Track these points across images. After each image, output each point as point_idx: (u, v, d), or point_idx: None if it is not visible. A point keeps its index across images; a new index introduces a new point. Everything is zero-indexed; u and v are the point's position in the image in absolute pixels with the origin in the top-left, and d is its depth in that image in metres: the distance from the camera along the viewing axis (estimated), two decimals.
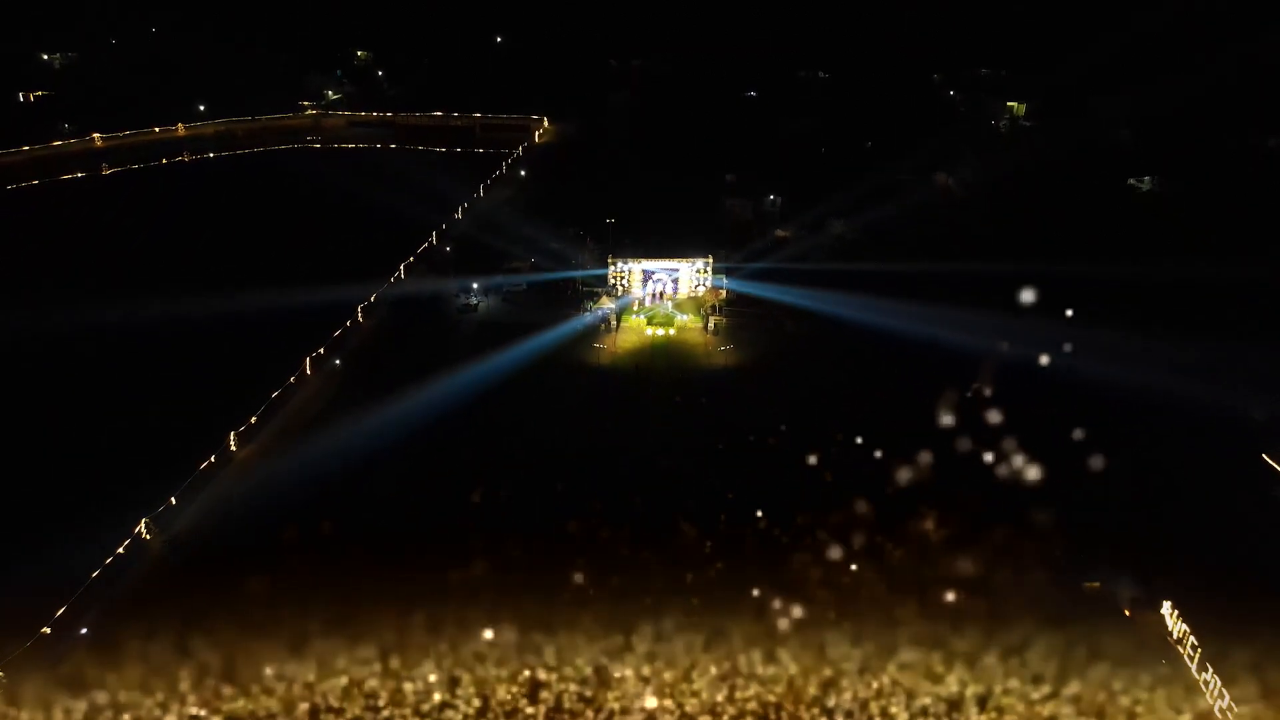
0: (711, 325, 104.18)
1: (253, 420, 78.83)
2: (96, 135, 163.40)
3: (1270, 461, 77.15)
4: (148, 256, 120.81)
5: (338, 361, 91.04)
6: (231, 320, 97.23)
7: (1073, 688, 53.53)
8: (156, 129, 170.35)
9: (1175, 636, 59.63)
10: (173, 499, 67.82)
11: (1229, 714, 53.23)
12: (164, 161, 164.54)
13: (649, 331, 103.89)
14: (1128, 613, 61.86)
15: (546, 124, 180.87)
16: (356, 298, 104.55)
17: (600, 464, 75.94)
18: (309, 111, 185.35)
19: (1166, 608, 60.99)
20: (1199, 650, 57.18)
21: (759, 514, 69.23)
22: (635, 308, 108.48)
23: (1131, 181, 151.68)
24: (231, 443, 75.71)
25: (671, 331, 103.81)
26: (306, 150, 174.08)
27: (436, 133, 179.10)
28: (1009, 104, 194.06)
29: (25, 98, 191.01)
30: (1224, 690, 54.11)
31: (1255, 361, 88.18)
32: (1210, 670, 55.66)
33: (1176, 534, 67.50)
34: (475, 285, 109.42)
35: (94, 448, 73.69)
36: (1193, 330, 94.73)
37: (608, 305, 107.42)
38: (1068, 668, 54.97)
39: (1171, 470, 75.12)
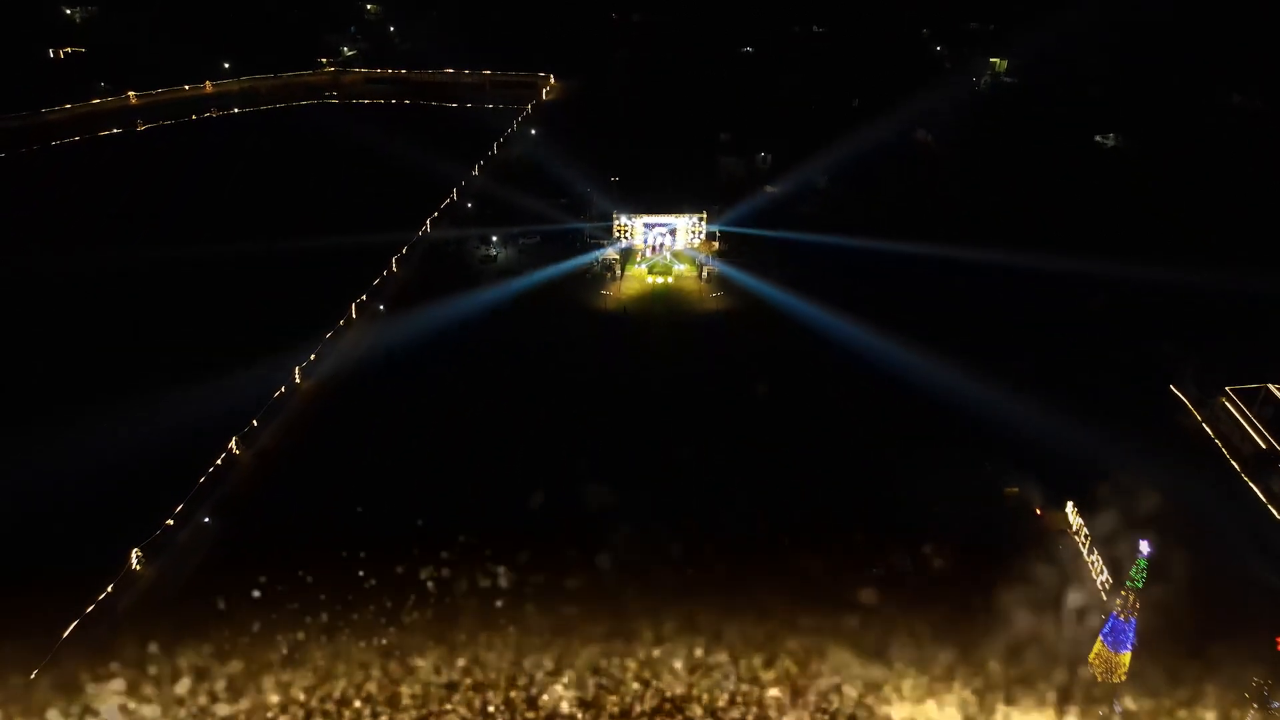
0: (705, 275, 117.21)
1: (312, 357, 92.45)
2: (131, 93, 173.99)
3: (1177, 392, 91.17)
4: (190, 209, 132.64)
5: (381, 306, 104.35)
6: (277, 267, 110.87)
7: (996, 564, 68.42)
8: (186, 87, 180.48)
9: (1074, 528, 74.18)
10: (254, 421, 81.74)
11: (1105, 586, 67.91)
12: (193, 118, 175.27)
13: (649, 280, 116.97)
14: (1038, 511, 76.29)
15: (553, 81, 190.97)
16: (389, 248, 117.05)
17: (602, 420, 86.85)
18: (328, 69, 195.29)
19: (1069, 506, 75.46)
20: (1090, 538, 71.73)
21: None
22: (637, 259, 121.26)
23: (1098, 138, 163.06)
24: (296, 376, 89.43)
25: (669, 280, 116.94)
26: (326, 106, 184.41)
27: (448, 89, 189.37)
28: (991, 60, 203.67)
29: (56, 54, 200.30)
30: (1104, 568, 68.79)
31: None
32: (1096, 553, 70.32)
33: (1087, 450, 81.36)
34: (494, 238, 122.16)
35: (181, 384, 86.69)
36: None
37: (612, 256, 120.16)
38: (993, 550, 70.25)
39: (1089, 398, 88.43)
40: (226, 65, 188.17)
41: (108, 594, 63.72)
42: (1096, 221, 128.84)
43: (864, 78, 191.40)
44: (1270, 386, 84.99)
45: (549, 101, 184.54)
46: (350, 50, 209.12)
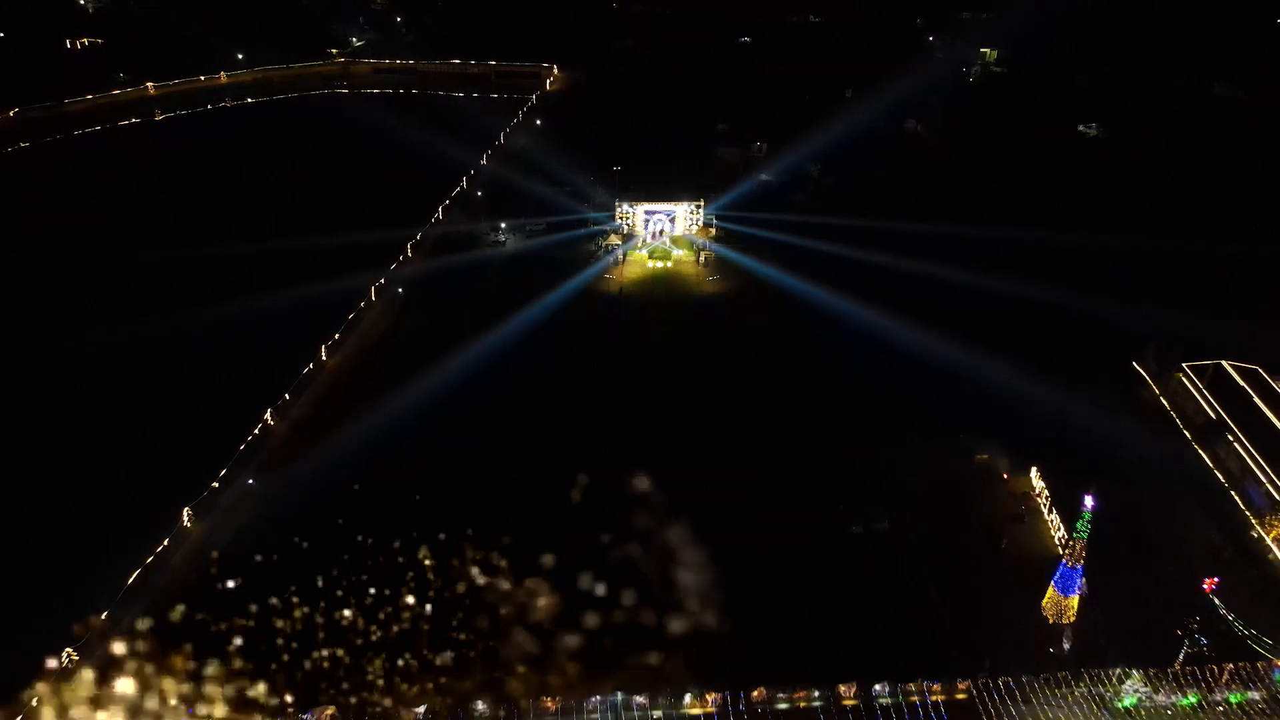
0: (702, 259, 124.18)
1: (336, 336, 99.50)
2: (150, 84, 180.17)
3: (1138, 367, 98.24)
4: (209, 197, 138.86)
5: (400, 290, 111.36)
6: (298, 254, 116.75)
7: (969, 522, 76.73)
8: (202, 77, 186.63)
9: (1037, 490, 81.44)
10: (286, 394, 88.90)
11: (1061, 540, 75.13)
12: (209, 107, 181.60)
13: (650, 264, 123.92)
14: (1005, 475, 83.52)
15: (556, 72, 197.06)
16: (404, 235, 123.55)
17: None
18: (338, 59, 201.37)
19: (1034, 471, 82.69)
20: (1050, 498, 79.04)
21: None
22: (639, 244, 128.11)
23: (1080, 128, 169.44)
24: (323, 354, 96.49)
25: (669, 264, 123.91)
26: (337, 96, 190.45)
27: (455, 79, 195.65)
28: (982, 50, 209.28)
29: (73, 44, 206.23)
30: (1061, 524, 76.05)
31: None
32: (1054, 511, 77.63)
33: (1053, 420, 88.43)
34: (503, 225, 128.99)
35: (216, 361, 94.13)
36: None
37: (615, 242, 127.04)
38: (966, 510, 78.62)
39: (1057, 372, 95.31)
40: (240, 56, 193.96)
41: (164, 547, 70.93)
42: (1075, 207, 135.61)
43: (858, 67, 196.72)
44: (1223, 363, 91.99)
45: (552, 91, 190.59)
46: (359, 41, 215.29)
